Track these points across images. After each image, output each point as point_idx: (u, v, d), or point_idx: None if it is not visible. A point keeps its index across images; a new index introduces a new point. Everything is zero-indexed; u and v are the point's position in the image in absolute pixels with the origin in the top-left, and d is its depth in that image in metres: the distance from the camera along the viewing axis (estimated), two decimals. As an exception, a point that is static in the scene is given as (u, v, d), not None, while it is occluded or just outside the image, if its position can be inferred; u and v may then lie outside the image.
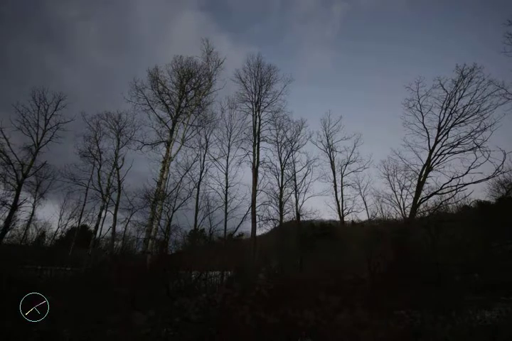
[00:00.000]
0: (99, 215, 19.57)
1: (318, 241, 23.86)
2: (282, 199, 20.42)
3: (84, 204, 21.34)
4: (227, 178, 20.34)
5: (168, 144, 18.10)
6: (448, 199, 15.79)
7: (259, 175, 20.33)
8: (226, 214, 19.23)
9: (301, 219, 21.30)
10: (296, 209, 20.61)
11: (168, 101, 19.32)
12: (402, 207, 18.37)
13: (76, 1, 73.10)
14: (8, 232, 17.56)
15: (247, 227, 24.49)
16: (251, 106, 21.66)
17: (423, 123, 16.83)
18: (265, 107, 21.81)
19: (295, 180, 21.31)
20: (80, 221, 23.01)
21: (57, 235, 23.72)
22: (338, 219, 21.47)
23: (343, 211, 20.45)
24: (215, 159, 20.81)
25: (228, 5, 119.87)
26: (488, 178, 14.89)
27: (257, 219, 19.09)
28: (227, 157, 21.05)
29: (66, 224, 23.83)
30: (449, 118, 16.18)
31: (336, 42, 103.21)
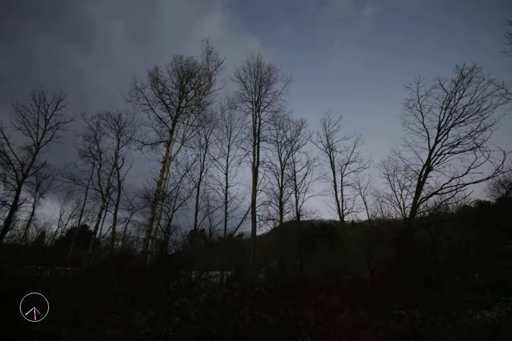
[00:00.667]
0: (99, 215, 19.57)
1: (318, 241, 23.86)
2: (282, 199, 20.43)
3: (84, 204, 21.37)
4: (227, 178, 20.36)
5: (168, 144, 18.10)
6: (448, 199, 15.76)
7: (259, 175, 20.35)
8: (226, 214, 19.23)
9: (301, 219, 21.30)
10: (296, 209, 20.62)
11: (168, 101, 19.36)
12: (402, 207, 18.37)
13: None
14: (8, 232, 17.55)
15: (247, 227, 24.52)
16: (251, 106, 21.69)
17: (423, 123, 16.81)
18: (265, 107, 21.86)
19: (295, 180, 21.33)
20: (79, 221, 23.02)
21: (57, 235, 23.69)
22: (338, 219, 21.48)
23: (343, 211, 20.46)
24: (215, 159, 20.84)
25: (257, 5, 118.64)
26: (488, 178, 14.86)
27: (257, 219, 19.08)
28: (227, 157, 21.08)
29: (66, 224, 23.82)
30: (449, 118, 16.16)
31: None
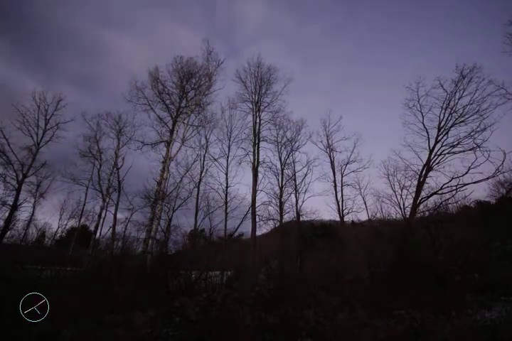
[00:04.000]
0: (99, 215, 19.56)
1: (318, 241, 23.82)
2: (282, 199, 20.38)
3: (84, 204, 21.32)
4: (227, 178, 20.30)
5: (168, 144, 18.10)
6: (448, 199, 15.75)
7: (259, 175, 20.28)
8: (226, 214, 19.18)
9: (301, 219, 21.26)
10: (296, 209, 20.58)
11: (168, 101, 19.36)
12: (402, 207, 18.30)
13: None
14: (8, 232, 17.56)
15: (247, 227, 24.48)
16: (251, 106, 21.63)
17: (423, 123, 16.81)
18: (265, 107, 21.77)
19: (295, 180, 21.29)
20: (80, 221, 22.95)
21: (57, 235, 23.69)
22: (338, 219, 21.43)
23: (343, 211, 20.42)
24: (215, 159, 20.77)
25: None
26: (488, 178, 14.86)
27: (257, 219, 19.00)
28: (227, 157, 20.98)
29: (66, 224, 23.73)
30: (449, 118, 16.17)
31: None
